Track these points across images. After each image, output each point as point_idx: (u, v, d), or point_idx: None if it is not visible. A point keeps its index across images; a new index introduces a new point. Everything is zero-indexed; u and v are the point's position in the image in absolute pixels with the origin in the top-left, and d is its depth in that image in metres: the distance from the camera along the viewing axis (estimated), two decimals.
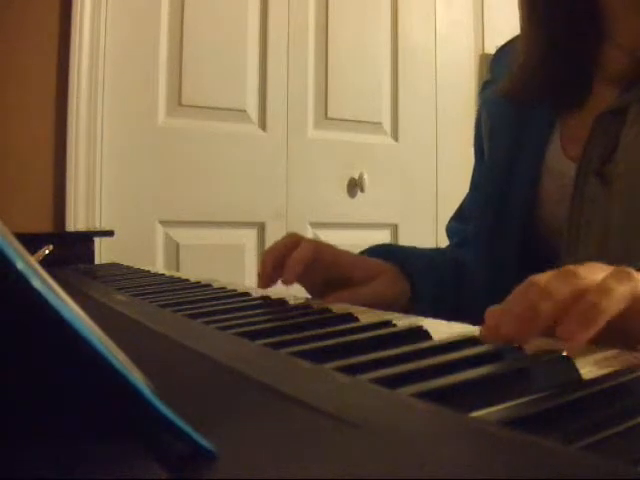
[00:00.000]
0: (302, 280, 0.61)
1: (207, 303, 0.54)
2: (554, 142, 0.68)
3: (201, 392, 0.25)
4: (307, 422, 0.20)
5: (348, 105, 1.96)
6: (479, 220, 0.74)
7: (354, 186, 1.96)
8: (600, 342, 0.33)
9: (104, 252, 1.48)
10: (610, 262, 0.38)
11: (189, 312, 0.48)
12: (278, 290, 0.62)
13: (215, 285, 0.67)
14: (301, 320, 0.45)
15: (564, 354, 0.29)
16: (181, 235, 1.75)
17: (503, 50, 0.80)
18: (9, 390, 0.17)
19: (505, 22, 1.95)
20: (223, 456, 0.17)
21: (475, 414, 0.23)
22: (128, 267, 1.01)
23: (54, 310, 0.15)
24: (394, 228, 2.03)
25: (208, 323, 0.42)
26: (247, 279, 1.79)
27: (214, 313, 0.48)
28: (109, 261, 1.26)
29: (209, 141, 1.78)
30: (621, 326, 0.34)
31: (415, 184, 2.05)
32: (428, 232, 2.01)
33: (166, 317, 0.46)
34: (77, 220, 1.59)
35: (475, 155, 0.83)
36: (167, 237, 1.74)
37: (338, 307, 0.51)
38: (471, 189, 0.84)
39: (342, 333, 0.38)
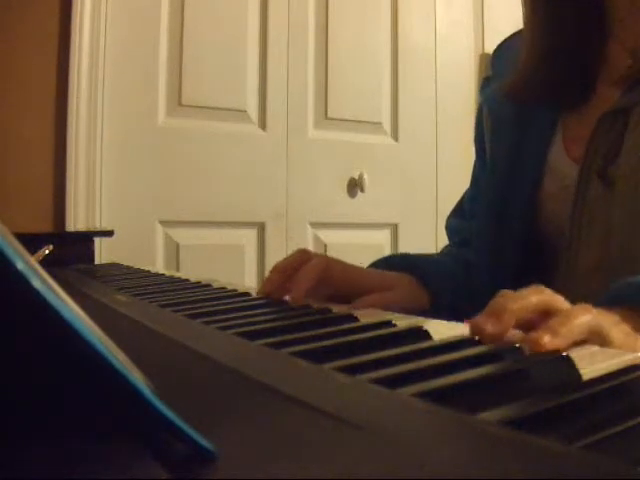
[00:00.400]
0: (311, 296, 0.58)
1: (207, 303, 0.54)
2: (556, 143, 0.68)
3: (201, 392, 0.25)
4: (307, 422, 0.20)
5: (348, 105, 1.96)
6: (481, 221, 0.74)
7: (354, 186, 1.95)
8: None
9: (104, 252, 1.48)
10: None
11: (189, 312, 0.47)
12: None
13: (215, 285, 0.67)
14: (301, 320, 0.45)
15: (564, 354, 0.29)
16: (181, 235, 1.75)
17: (503, 46, 0.80)
18: (9, 390, 0.17)
19: (505, 22, 1.95)
20: (223, 456, 0.17)
21: (475, 414, 0.23)
22: (128, 267, 1.01)
23: (54, 310, 0.15)
24: (394, 228, 2.03)
25: (208, 323, 0.42)
26: (247, 279, 1.79)
27: (214, 313, 0.48)
28: (109, 261, 1.26)
29: (209, 141, 1.77)
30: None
31: (415, 184, 2.05)
32: (428, 232, 2.01)
33: (166, 317, 0.46)
34: (77, 220, 1.59)
35: (476, 151, 0.82)
36: (167, 237, 1.74)
37: (367, 312, 0.49)
38: (471, 184, 0.84)
39: (342, 333, 0.38)
